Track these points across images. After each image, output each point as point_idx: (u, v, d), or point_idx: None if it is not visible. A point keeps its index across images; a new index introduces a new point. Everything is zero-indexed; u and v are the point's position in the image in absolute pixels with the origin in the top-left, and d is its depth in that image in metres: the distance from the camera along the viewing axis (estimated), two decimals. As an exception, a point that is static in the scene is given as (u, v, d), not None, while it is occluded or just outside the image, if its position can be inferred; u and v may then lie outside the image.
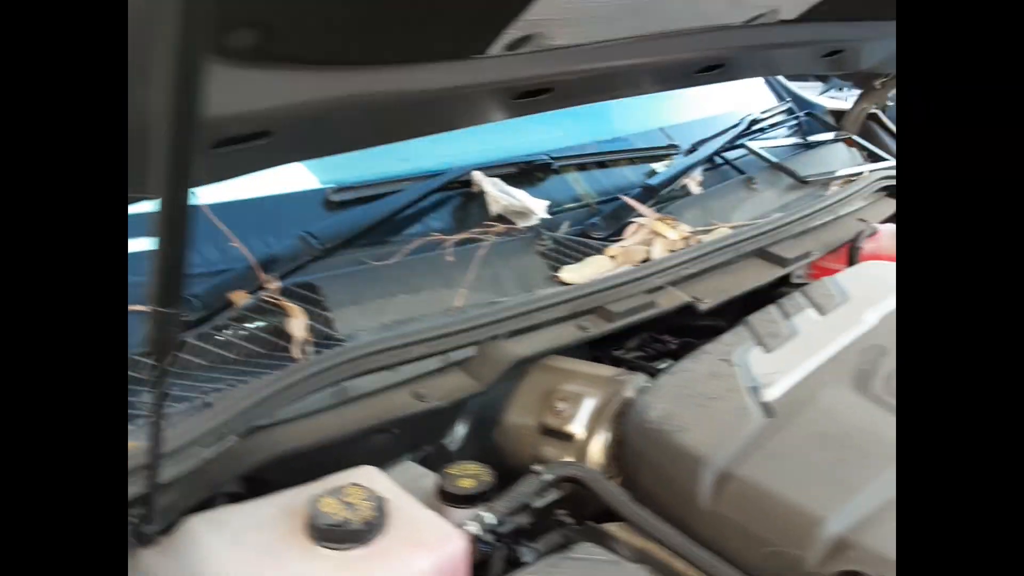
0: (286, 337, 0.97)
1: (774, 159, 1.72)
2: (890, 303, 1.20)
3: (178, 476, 0.75)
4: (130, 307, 0.59)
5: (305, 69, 0.75)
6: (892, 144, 2.23)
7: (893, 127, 2.22)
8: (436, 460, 1.01)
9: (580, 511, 0.91)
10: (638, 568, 0.74)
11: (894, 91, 2.26)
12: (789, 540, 0.77)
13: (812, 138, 2.00)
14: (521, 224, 1.35)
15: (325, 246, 1.11)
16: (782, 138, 2.00)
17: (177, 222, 0.52)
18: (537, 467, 0.91)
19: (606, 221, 1.40)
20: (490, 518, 0.83)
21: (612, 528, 0.86)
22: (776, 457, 0.85)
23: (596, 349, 1.27)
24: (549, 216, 1.38)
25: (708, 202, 1.51)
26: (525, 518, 0.88)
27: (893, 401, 0.94)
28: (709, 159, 1.74)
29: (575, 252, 1.28)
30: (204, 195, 1.15)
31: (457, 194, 1.36)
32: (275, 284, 1.00)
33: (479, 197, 1.36)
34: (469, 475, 0.94)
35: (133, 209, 0.55)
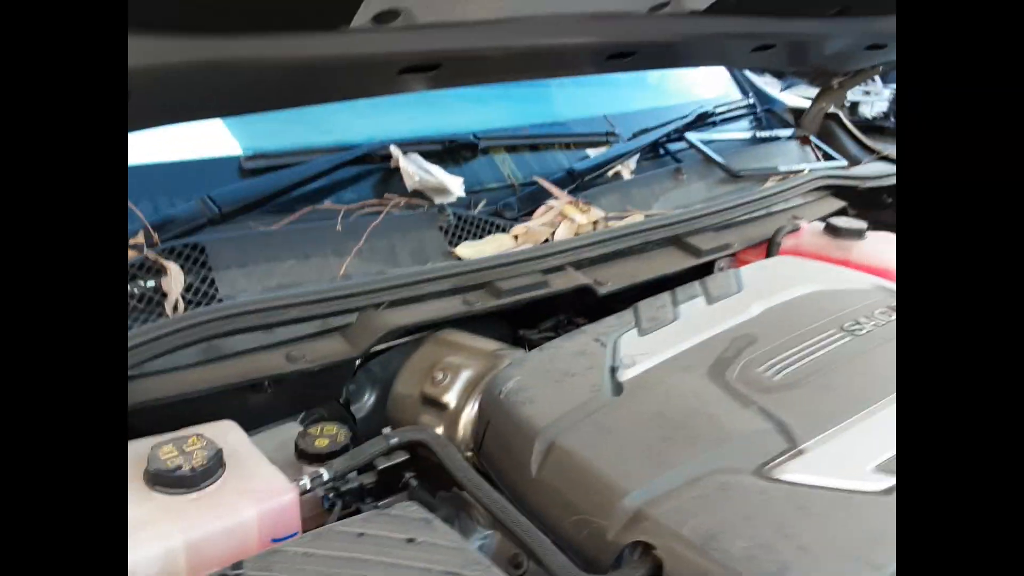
0: (164, 294, 1.01)
1: (710, 152, 1.73)
2: (780, 296, 1.22)
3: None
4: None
5: (165, 34, 0.78)
6: (850, 145, 2.23)
7: (852, 128, 2.23)
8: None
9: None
10: (448, 529, 0.78)
11: (869, 90, 2.27)
12: (595, 509, 0.80)
13: (761, 134, 2.01)
14: (438, 200, 1.39)
15: (223, 211, 1.15)
16: (734, 132, 2.01)
17: None
18: (385, 430, 0.94)
19: (521, 202, 1.43)
20: (326, 474, 0.87)
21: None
22: (605, 432, 0.88)
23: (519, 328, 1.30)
24: (465, 194, 1.42)
25: (629, 189, 1.53)
26: (370, 478, 0.93)
27: (741, 387, 0.97)
28: (645, 148, 1.76)
29: (478, 230, 1.31)
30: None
31: (378, 168, 1.39)
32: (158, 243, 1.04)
33: (398, 172, 1.39)
34: (326, 435, 0.98)
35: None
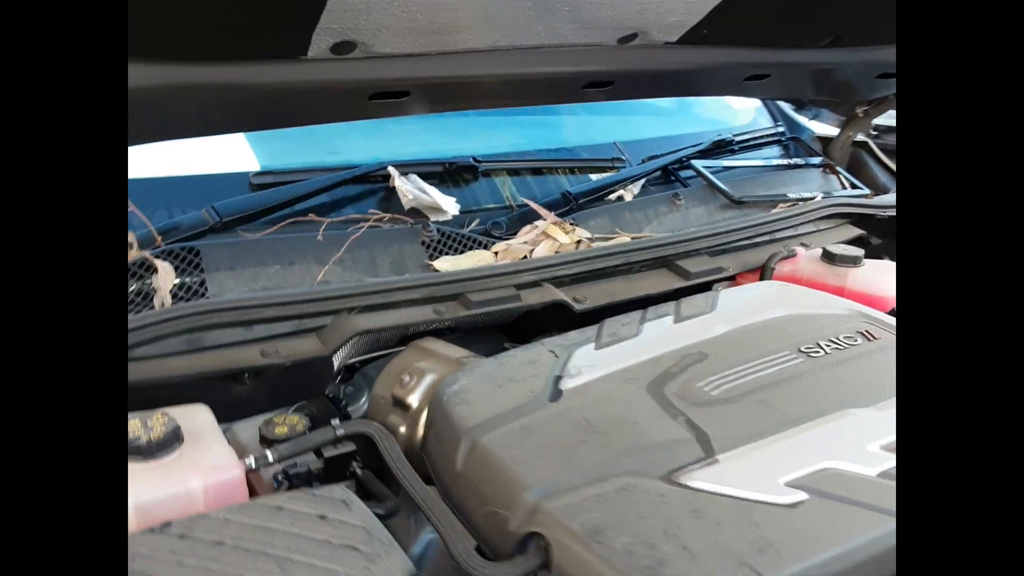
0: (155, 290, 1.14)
1: (713, 178, 1.75)
2: (751, 319, 1.23)
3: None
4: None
5: (139, 61, 0.90)
6: (880, 173, 2.20)
7: (882, 156, 2.19)
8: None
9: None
10: (365, 511, 0.85)
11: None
12: (501, 502, 0.85)
13: (779, 161, 2.01)
14: (433, 219, 1.48)
15: (223, 220, 1.27)
16: (751, 160, 2.02)
17: None
18: (334, 422, 1.03)
19: (510, 222, 1.49)
20: (270, 456, 0.96)
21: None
22: (527, 433, 0.93)
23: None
24: (459, 214, 1.50)
25: (622, 212, 1.58)
26: (319, 464, 1.01)
27: (675, 400, 1.00)
28: (653, 175, 1.80)
29: (460, 246, 1.38)
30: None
31: (376, 187, 1.50)
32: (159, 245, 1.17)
33: (395, 191, 1.49)
34: (287, 424, 1.07)
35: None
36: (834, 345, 1.14)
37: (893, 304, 1.45)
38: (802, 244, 1.68)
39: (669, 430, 0.94)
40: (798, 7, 1.27)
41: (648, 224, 1.59)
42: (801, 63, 1.52)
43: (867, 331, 1.19)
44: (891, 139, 2.26)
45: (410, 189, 1.46)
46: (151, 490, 0.87)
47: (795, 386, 1.03)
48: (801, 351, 1.12)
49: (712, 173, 1.81)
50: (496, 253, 1.38)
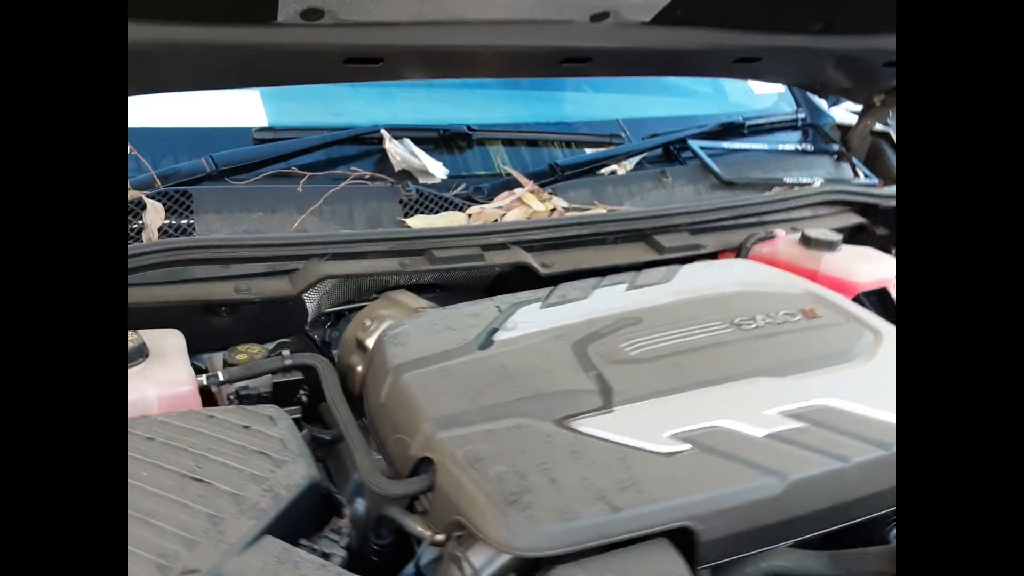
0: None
1: (706, 158, 1.78)
2: (702, 292, 1.27)
3: None
4: None
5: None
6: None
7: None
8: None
9: None
10: (290, 427, 0.95)
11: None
12: (407, 429, 0.94)
13: (783, 146, 2.00)
14: (422, 181, 1.57)
15: (219, 168, 1.40)
16: (758, 144, 2.03)
17: None
18: (283, 352, 1.14)
19: (492, 189, 1.57)
20: (221, 376, 1.07)
21: None
22: (445, 374, 1.02)
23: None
24: (446, 177, 1.58)
25: (604, 186, 1.63)
26: (268, 389, 1.12)
27: (594, 357, 1.06)
28: (651, 153, 1.83)
29: (436, 206, 1.47)
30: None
31: (370, 149, 1.60)
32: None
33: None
34: (248, 353, 1.19)
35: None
36: (769, 320, 1.17)
37: (861, 289, 1.46)
38: (792, 228, 1.69)
39: (577, 381, 1.00)
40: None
41: (631, 199, 1.64)
42: (792, 48, 1.53)
43: (809, 309, 1.21)
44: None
45: (400, 151, 1.55)
46: (112, 395, 1.00)
47: (714, 352, 1.08)
48: (734, 323, 1.16)
49: (713, 155, 1.84)
50: (469, 215, 1.46)
